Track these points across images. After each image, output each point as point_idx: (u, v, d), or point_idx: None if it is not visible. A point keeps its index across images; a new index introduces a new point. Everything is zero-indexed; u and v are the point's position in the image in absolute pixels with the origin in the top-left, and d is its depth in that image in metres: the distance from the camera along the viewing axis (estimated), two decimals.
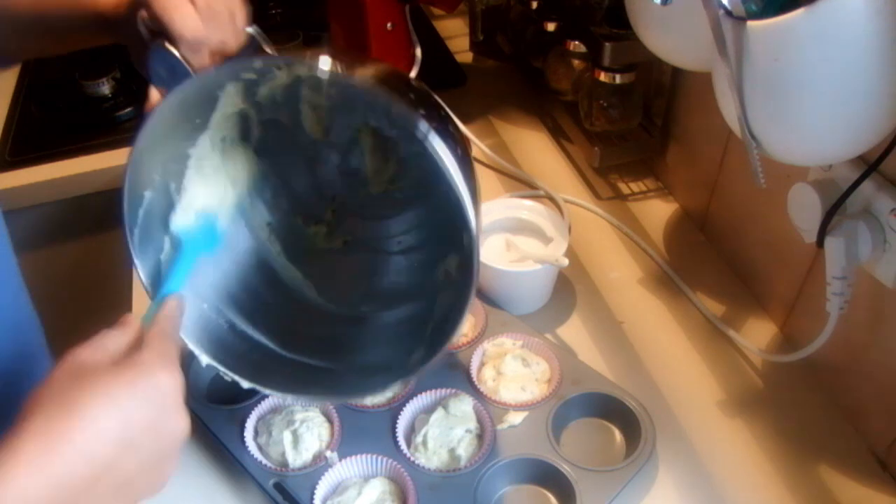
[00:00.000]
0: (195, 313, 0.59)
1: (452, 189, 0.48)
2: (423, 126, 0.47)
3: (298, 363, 0.62)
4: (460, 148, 0.51)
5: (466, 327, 0.73)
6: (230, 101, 0.55)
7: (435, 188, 0.51)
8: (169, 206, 0.57)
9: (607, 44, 0.83)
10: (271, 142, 0.62)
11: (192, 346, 0.57)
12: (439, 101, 0.54)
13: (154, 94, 0.52)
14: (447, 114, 0.55)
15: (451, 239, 0.55)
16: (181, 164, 0.57)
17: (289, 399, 0.65)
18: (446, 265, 0.61)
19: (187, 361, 0.68)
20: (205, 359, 0.58)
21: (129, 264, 0.54)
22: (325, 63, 0.48)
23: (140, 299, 0.79)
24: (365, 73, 0.51)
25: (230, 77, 0.53)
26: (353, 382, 0.61)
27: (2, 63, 0.70)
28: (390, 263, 0.67)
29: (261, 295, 0.65)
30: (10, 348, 0.61)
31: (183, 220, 0.57)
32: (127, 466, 0.40)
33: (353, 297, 0.67)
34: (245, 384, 0.59)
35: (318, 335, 0.64)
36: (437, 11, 1.28)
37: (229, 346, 0.60)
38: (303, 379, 0.61)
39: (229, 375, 0.59)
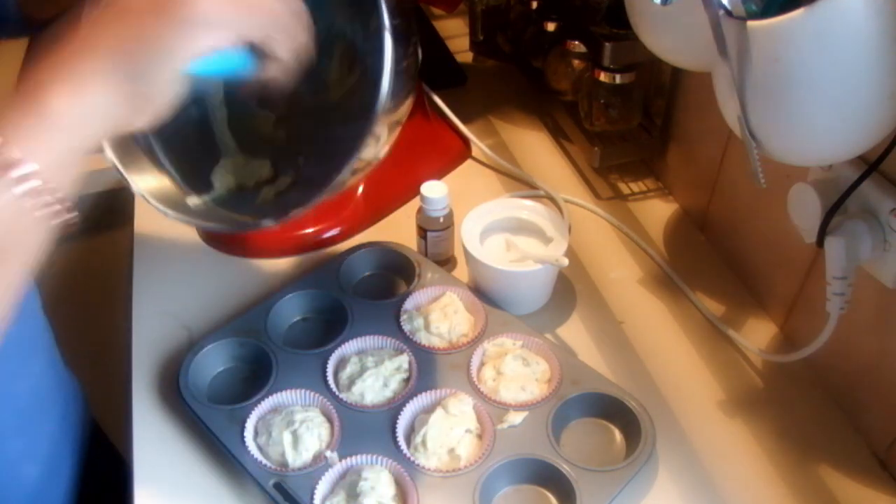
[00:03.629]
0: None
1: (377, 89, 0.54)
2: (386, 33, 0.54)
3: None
4: (408, 63, 0.59)
5: (466, 327, 0.73)
6: None
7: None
8: None
9: (607, 44, 0.83)
10: None
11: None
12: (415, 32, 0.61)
13: None
14: (417, 44, 0.63)
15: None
16: None
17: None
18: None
19: (186, 361, 0.68)
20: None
21: (129, 264, 0.54)
22: None
23: (140, 298, 0.79)
24: None
25: None
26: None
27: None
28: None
29: (189, 143, 0.68)
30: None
31: None
32: None
33: None
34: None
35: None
36: (437, 11, 1.28)
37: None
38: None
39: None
